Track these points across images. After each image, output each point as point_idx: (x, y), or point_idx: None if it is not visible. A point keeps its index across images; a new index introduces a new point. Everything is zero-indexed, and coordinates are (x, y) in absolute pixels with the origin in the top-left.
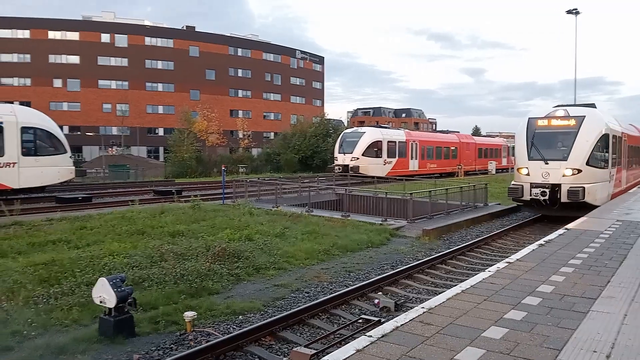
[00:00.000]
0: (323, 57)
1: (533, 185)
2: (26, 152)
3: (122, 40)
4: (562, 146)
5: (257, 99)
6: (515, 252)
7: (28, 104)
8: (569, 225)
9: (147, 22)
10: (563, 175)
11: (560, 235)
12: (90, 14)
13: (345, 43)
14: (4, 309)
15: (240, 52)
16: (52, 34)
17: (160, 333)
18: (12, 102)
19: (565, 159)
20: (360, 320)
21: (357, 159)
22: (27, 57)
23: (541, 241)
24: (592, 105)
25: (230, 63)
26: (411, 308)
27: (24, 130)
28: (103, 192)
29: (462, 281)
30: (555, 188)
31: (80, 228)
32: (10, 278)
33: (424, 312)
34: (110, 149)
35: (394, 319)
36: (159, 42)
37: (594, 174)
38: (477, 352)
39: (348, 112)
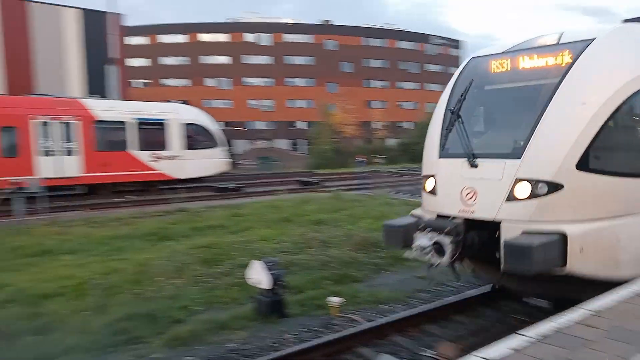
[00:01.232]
0: (460, 41)
1: (427, 227)
2: (187, 146)
3: (265, 39)
4: (524, 121)
5: (392, 88)
6: None
7: (185, 103)
8: None
9: (287, 20)
10: (508, 199)
11: None
12: (236, 16)
13: (484, 24)
14: (175, 285)
15: (374, 42)
16: (205, 37)
17: (307, 316)
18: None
19: (517, 154)
20: (512, 320)
21: None
22: (184, 59)
23: None
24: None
25: (365, 54)
26: (571, 309)
27: (185, 126)
28: (252, 182)
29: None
30: (493, 231)
31: (234, 215)
32: (178, 259)
33: (586, 314)
34: (257, 142)
35: (553, 320)
36: (298, 38)
37: (604, 193)
38: None
39: None
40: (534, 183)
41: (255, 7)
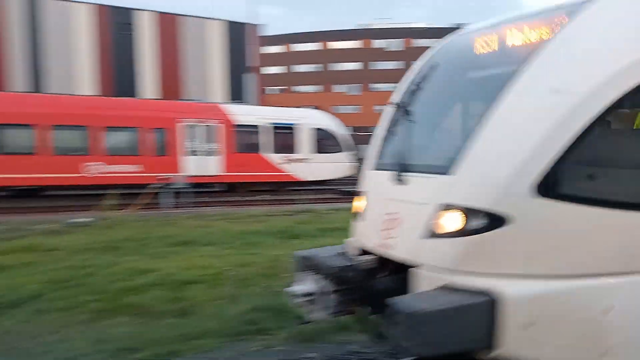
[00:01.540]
0: None
1: (313, 266)
2: (315, 149)
3: (395, 45)
4: (471, 120)
5: None
6: None
7: (316, 109)
8: None
9: (419, 25)
10: (431, 234)
11: None
12: (368, 22)
13: None
14: None
15: None
16: (335, 44)
17: None
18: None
19: (448, 167)
20: None
21: None
22: (316, 67)
23: None
24: None
25: None
26: None
27: (314, 131)
28: None
29: None
30: (404, 276)
31: None
32: None
33: None
34: None
35: None
36: (429, 42)
37: (584, 235)
38: None
39: None
40: (467, 212)
41: (388, 13)
